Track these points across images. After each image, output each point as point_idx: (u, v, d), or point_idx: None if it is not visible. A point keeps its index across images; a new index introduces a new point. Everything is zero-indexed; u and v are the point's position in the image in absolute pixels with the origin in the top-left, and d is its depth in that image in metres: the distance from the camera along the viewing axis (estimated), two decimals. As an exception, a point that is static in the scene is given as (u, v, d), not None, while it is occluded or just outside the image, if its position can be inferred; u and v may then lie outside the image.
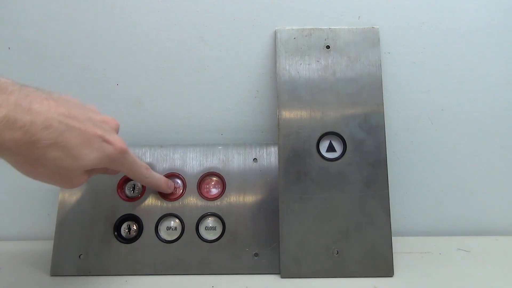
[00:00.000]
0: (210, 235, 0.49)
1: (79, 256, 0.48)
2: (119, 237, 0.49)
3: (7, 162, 0.33)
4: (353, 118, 0.50)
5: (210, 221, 0.50)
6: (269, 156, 0.52)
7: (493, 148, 0.57)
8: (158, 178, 0.47)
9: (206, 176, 0.51)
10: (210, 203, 0.50)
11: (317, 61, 0.51)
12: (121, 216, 0.50)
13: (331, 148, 0.50)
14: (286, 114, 0.50)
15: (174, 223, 0.50)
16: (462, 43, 0.56)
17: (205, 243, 0.49)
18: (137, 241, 0.49)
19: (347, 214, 0.48)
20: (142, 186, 0.51)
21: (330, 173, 0.49)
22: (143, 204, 0.50)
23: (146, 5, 0.56)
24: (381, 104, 0.50)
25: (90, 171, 0.37)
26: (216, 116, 0.57)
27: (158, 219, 0.50)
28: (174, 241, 0.49)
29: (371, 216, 0.48)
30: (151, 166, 0.51)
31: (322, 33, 0.52)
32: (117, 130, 0.40)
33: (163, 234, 0.50)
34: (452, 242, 0.54)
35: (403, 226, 0.58)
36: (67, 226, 0.49)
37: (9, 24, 0.56)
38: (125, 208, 0.50)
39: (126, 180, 0.51)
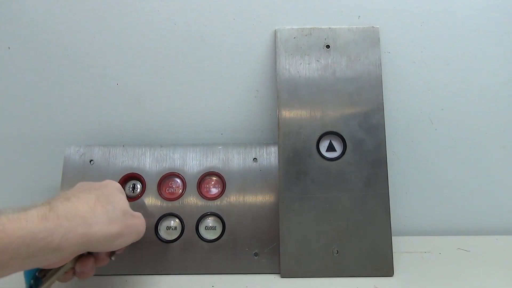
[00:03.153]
0: (210, 235, 0.49)
1: (79, 256, 0.48)
2: (119, 237, 0.49)
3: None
4: (353, 117, 0.50)
5: (210, 221, 0.50)
6: (269, 156, 0.52)
7: (493, 148, 0.57)
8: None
9: (206, 175, 0.51)
10: (210, 203, 0.50)
11: (317, 60, 0.51)
12: (121, 216, 0.49)
13: (331, 148, 0.50)
14: (286, 113, 0.50)
15: (174, 223, 0.50)
16: (462, 43, 0.56)
17: (205, 243, 0.49)
18: (137, 241, 0.49)
19: (347, 213, 0.48)
20: (142, 186, 0.51)
21: (330, 173, 0.49)
22: (143, 204, 0.50)
23: (146, 5, 0.56)
24: (381, 103, 0.50)
25: None
26: (216, 116, 0.57)
27: (158, 219, 0.49)
28: (174, 241, 0.49)
29: (371, 216, 0.48)
30: (151, 166, 0.51)
31: (322, 33, 0.52)
32: None
33: (163, 233, 0.49)
34: (452, 242, 0.54)
35: (403, 226, 0.58)
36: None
37: (9, 24, 0.56)
38: (125, 208, 0.50)
39: (126, 180, 0.51)
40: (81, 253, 0.35)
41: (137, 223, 0.40)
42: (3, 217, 0.28)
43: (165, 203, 0.50)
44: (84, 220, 0.33)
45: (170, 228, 0.50)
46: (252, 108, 0.57)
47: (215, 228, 0.50)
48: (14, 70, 0.57)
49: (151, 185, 0.51)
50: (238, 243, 0.49)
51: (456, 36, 0.56)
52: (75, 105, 0.57)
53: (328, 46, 0.52)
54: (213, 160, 0.52)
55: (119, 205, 0.38)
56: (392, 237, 0.47)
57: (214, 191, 0.51)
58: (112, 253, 0.42)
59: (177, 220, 0.50)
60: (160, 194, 0.50)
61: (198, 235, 0.49)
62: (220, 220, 0.49)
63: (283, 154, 0.49)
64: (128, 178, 0.51)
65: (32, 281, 0.37)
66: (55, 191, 0.53)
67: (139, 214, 0.42)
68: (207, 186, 0.51)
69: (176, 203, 0.50)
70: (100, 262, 0.40)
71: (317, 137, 0.50)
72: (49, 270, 0.37)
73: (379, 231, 0.47)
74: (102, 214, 0.36)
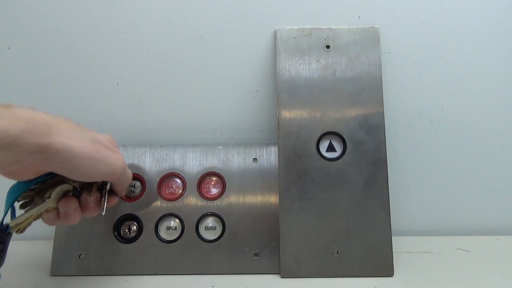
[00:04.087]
0: (210, 235, 0.49)
1: (79, 256, 0.48)
2: (119, 237, 0.49)
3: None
4: (353, 117, 0.50)
5: (210, 221, 0.50)
6: (269, 156, 0.52)
7: (493, 148, 0.57)
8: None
9: (206, 176, 0.51)
10: (210, 203, 0.50)
11: (317, 60, 0.51)
12: (121, 216, 0.50)
13: (331, 148, 0.50)
14: (286, 113, 0.50)
15: (174, 223, 0.50)
16: (462, 43, 0.56)
17: (205, 243, 0.49)
18: (137, 241, 0.49)
19: (347, 214, 0.48)
20: (142, 186, 0.51)
21: (330, 173, 0.49)
22: (143, 204, 0.50)
23: (146, 5, 0.56)
24: (381, 104, 0.50)
25: None
26: (216, 116, 0.57)
27: (158, 219, 0.49)
28: (174, 241, 0.49)
29: (371, 216, 0.48)
30: (151, 166, 0.51)
31: (322, 33, 0.52)
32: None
33: (163, 234, 0.49)
34: (452, 242, 0.54)
35: (403, 226, 0.58)
36: (67, 226, 0.49)
37: (9, 24, 0.56)
38: (125, 208, 0.50)
39: (126, 180, 0.51)
40: (42, 167, 0.33)
41: (111, 156, 0.37)
42: None
43: (165, 203, 0.50)
44: (45, 125, 0.31)
45: (170, 228, 0.50)
46: (252, 108, 0.57)
47: (215, 228, 0.50)
48: (14, 70, 0.57)
49: (151, 185, 0.51)
50: (238, 243, 0.49)
51: (456, 36, 0.56)
52: (75, 105, 0.57)
53: (328, 46, 0.52)
54: (213, 160, 0.52)
55: (90, 132, 0.36)
56: (392, 237, 0.47)
57: (214, 191, 0.51)
58: (101, 203, 0.40)
59: (177, 220, 0.50)
60: (160, 194, 0.50)
61: (198, 235, 0.49)
62: (220, 220, 0.50)
63: (283, 154, 0.49)
64: (128, 178, 0.51)
65: (10, 209, 0.36)
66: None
67: (116, 149, 0.38)
68: (207, 186, 0.51)
69: (176, 203, 0.50)
70: (88, 209, 0.39)
71: (317, 137, 0.50)
72: (29, 199, 0.37)
73: (379, 231, 0.47)
74: (68, 129, 0.33)
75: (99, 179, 0.38)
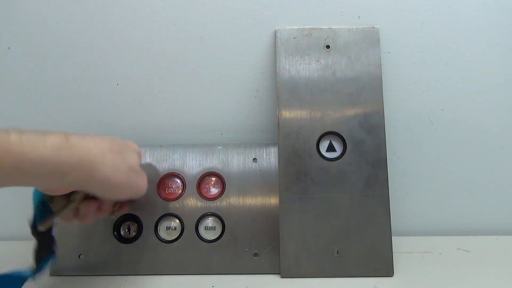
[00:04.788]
0: (209, 235, 0.49)
1: (79, 256, 0.48)
2: (119, 237, 0.49)
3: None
4: (353, 118, 0.50)
5: (209, 221, 0.50)
6: (269, 156, 0.52)
7: (493, 148, 0.57)
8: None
9: (206, 176, 0.51)
10: (209, 203, 0.50)
11: (317, 61, 0.51)
12: (121, 216, 0.49)
13: (331, 148, 0.50)
14: (286, 114, 0.50)
15: (173, 223, 0.50)
16: (462, 43, 0.56)
17: (204, 243, 0.49)
18: (137, 241, 0.49)
19: (347, 214, 0.48)
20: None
21: (330, 173, 0.49)
22: (143, 204, 0.50)
23: (146, 5, 0.56)
24: (381, 104, 0.50)
25: None
26: (216, 116, 0.57)
27: (158, 219, 0.49)
28: (174, 241, 0.49)
29: (371, 216, 0.48)
30: (151, 165, 0.51)
31: (322, 33, 0.52)
32: None
33: (163, 234, 0.49)
34: (452, 242, 0.54)
35: (403, 226, 0.58)
36: (67, 226, 0.49)
37: (9, 24, 0.56)
38: (125, 208, 0.50)
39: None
40: (79, 188, 0.37)
41: (139, 182, 0.41)
42: (24, 137, 0.30)
43: (165, 203, 0.50)
44: (92, 159, 0.34)
45: (170, 228, 0.50)
46: (252, 108, 0.57)
47: (215, 228, 0.50)
48: (14, 70, 0.57)
49: (151, 185, 0.50)
50: (238, 243, 0.49)
51: (456, 36, 0.56)
52: (75, 105, 0.57)
53: (328, 46, 0.52)
54: (213, 161, 0.52)
55: (128, 160, 0.39)
56: (392, 237, 0.47)
57: (214, 191, 0.51)
58: (114, 208, 0.44)
59: (177, 220, 0.50)
60: (160, 195, 0.50)
61: (198, 236, 0.49)
62: (220, 221, 0.50)
63: (283, 155, 0.49)
64: (128, 178, 0.51)
65: (40, 206, 0.39)
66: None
67: (143, 174, 0.43)
68: (207, 186, 0.51)
69: (176, 203, 0.50)
70: (103, 212, 0.42)
71: (317, 137, 0.50)
72: (54, 200, 0.39)
73: (379, 231, 0.47)
74: (110, 162, 0.36)
75: (126, 199, 0.42)
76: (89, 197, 0.40)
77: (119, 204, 0.45)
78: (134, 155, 0.42)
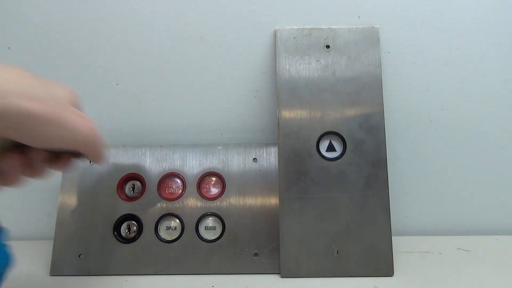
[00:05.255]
0: (210, 235, 0.49)
1: (79, 256, 0.48)
2: (119, 237, 0.49)
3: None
4: (353, 117, 0.50)
5: (210, 221, 0.50)
6: (269, 156, 0.52)
7: (493, 148, 0.57)
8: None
9: (206, 176, 0.51)
10: (210, 203, 0.50)
11: (317, 60, 0.51)
12: (121, 216, 0.49)
13: (331, 148, 0.50)
14: (286, 114, 0.50)
15: (174, 223, 0.50)
16: (461, 43, 0.56)
17: (205, 243, 0.49)
18: (137, 241, 0.49)
19: (347, 213, 0.48)
20: (142, 186, 0.51)
21: (330, 173, 0.49)
22: (143, 204, 0.50)
23: (146, 5, 0.56)
24: (381, 104, 0.50)
25: None
26: (216, 116, 0.57)
27: (158, 219, 0.49)
28: (174, 241, 0.49)
29: (371, 216, 0.48)
30: (151, 166, 0.51)
31: (322, 33, 0.52)
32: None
33: (163, 234, 0.49)
34: (452, 242, 0.54)
35: (403, 226, 0.58)
36: (67, 226, 0.49)
37: (9, 24, 0.56)
38: (125, 208, 0.50)
39: (126, 180, 0.51)
40: None
41: (74, 120, 0.31)
42: None
43: (165, 203, 0.50)
44: (3, 86, 0.27)
45: (170, 228, 0.50)
46: (252, 108, 0.57)
47: (215, 228, 0.50)
48: (14, 70, 0.57)
49: (151, 185, 0.51)
50: (238, 243, 0.49)
51: (456, 36, 0.56)
52: (75, 105, 0.57)
53: (328, 46, 0.52)
54: (213, 161, 0.52)
55: (55, 92, 0.30)
56: (392, 237, 0.47)
57: (214, 191, 0.51)
58: (49, 164, 0.34)
59: (177, 220, 0.50)
60: (160, 194, 0.50)
61: (198, 235, 0.49)
62: (220, 220, 0.50)
63: (283, 154, 0.49)
64: (128, 178, 0.51)
65: None
66: (54, 191, 0.53)
67: (82, 114, 0.32)
68: (207, 186, 0.51)
69: (176, 203, 0.50)
70: (32, 169, 0.33)
71: (317, 137, 0.50)
72: None
73: (379, 231, 0.47)
74: (26, 87, 0.28)
75: (62, 147, 0.32)
76: (10, 149, 0.31)
77: (55, 157, 0.34)
78: (64, 90, 0.32)
